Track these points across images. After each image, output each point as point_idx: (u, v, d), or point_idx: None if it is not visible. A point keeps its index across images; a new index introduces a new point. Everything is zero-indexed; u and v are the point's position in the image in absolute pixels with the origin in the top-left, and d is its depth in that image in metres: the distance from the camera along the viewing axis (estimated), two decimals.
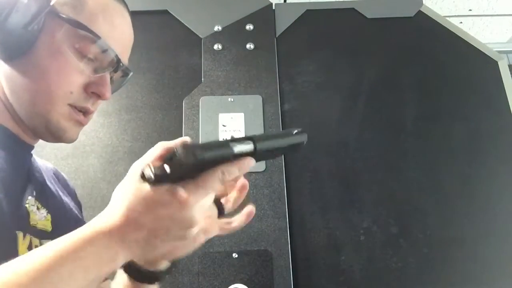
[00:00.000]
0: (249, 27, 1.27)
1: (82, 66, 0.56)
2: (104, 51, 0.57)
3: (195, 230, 0.45)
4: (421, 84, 1.25)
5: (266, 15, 1.29)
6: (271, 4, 1.31)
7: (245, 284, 1.01)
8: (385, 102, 1.23)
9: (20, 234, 0.52)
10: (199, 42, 1.26)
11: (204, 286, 1.01)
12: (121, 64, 0.60)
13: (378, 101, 1.23)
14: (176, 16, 1.28)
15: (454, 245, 1.09)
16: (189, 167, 0.41)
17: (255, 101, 1.19)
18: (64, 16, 0.54)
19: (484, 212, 1.12)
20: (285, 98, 1.22)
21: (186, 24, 1.27)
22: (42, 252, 0.39)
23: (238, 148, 0.45)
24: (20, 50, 0.53)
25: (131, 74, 0.66)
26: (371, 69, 1.26)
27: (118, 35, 0.60)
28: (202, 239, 0.49)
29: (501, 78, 1.26)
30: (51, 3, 0.53)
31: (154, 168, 0.42)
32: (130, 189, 0.43)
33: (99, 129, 1.17)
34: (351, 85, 1.24)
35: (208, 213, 0.48)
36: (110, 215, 0.43)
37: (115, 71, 0.61)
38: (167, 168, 0.42)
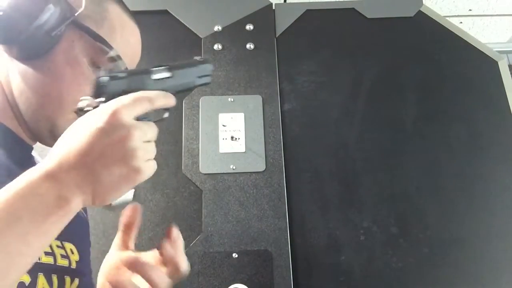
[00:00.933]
0: (249, 27, 1.27)
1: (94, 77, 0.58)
2: (117, 65, 0.59)
3: (137, 163, 0.45)
4: (421, 84, 1.25)
5: (266, 15, 1.29)
6: (271, 4, 1.31)
7: (245, 284, 1.01)
8: (385, 102, 1.23)
9: None
10: (199, 42, 1.26)
11: (204, 286, 1.01)
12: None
13: (378, 101, 1.23)
14: (176, 16, 1.28)
15: (454, 245, 1.09)
16: (116, 93, 0.47)
17: (255, 101, 1.19)
18: (86, 27, 0.57)
19: (484, 212, 1.12)
20: (285, 98, 1.22)
21: (186, 24, 1.27)
22: None
23: (157, 75, 0.53)
24: (38, 52, 0.55)
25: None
26: (371, 69, 1.26)
27: (131, 53, 0.63)
28: (151, 166, 0.48)
29: (501, 78, 1.26)
30: (76, 14, 0.56)
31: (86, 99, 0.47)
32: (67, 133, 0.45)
33: None
34: (351, 85, 1.24)
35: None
36: (49, 159, 0.43)
37: None
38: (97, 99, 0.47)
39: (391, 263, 1.07)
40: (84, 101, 0.47)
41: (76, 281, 0.59)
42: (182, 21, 1.28)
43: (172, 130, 1.16)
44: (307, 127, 1.20)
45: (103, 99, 0.47)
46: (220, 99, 1.19)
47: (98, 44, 0.57)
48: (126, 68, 0.63)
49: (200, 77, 0.61)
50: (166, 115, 0.56)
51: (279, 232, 1.06)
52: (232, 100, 1.19)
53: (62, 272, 0.55)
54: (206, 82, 0.61)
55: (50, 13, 0.53)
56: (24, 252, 0.39)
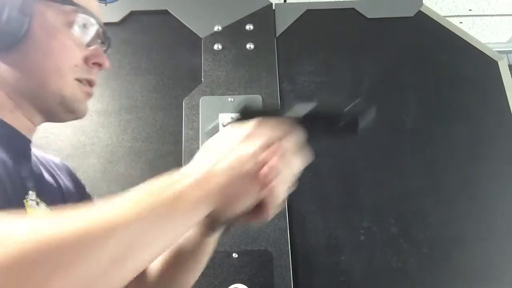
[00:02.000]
0: (249, 27, 1.27)
1: (80, 40, 0.60)
2: (92, 24, 0.61)
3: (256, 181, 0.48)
4: (421, 84, 1.25)
5: (266, 15, 1.29)
6: (271, 4, 1.31)
7: (245, 284, 1.01)
8: (385, 102, 1.23)
9: None
10: (199, 42, 1.26)
11: (204, 286, 1.01)
12: (106, 34, 0.64)
13: (378, 101, 1.23)
14: (176, 16, 1.28)
15: (455, 245, 1.09)
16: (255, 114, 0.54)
17: (255, 101, 1.19)
18: None
19: (484, 212, 1.12)
20: (285, 98, 1.22)
21: (186, 24, 1.27)
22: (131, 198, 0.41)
23: (302, 111, 0.56)
24: (18, 36, 0.55)
25: (111, 45, 0.69)
26: (371, 69, 1.26)
27: (95, 9, 0.63)
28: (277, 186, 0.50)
29: (501, 78, 1.26)
30: None
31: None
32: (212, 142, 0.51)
33: (99, 129, 1.17)
34: (351, 85, 1.24)
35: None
36: (196, 167, 0.47)
37: (103, 42, 0.64)
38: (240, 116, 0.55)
39: (391, 263, 1.07)
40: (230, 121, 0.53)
41: None
42: (182, 21, 1.28)
43: (172, 130, 1.16)
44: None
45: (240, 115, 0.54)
46: (220, 99, 1.19)
47: (67, 7, 0.58)
48: (100, 25, 0.64)
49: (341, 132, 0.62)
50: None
51: (279, 232, 1.06)
52: (232, 100, 1.19)
53: None
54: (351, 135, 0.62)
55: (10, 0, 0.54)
56: (145, 247, 0.40)
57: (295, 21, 1.30)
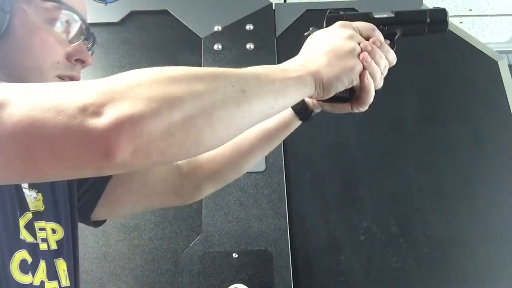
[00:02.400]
0: (249, 27, 1.27)
1: (61, 36, 0.59)
2: (75, 20, 0.60)
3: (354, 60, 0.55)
4: (421, 84, 1.25)
5: (266, 15, 1.29)
6: (271, 4, 1.31)
7: (245, 284, 1.01)
8: (385, 102, 1.23)
9: (17, 211, 0.53)
10: (199, 42, 1.26)
11: (204, 286, 1.01)
12: (90, 31, 0.63)
13: (378, 101, 1.22)
14: (176, 16, 1.28)
15: (454, 245, 1.09)
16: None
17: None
18: None
19: (484, 212, 1.12)
20: None
21: (186, 24, 1.27)
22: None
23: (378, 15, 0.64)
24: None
25: (96, 41, 0.69)
26: None
27: (78, 5, 0.62)
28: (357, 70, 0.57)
29: (501, 78, 1.26)
30: None
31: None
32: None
33: None
34: None
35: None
36: (297, 56, 0.57)
37: (87, 38, 0.64)
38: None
39: (391, 263, 1.07)
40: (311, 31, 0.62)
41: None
42: (182, 21, 1.28)
43: None
44: (307, 127, 1.19)
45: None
46: None
47: (48, 4, 0.57)
48: (84, 21, 0.64)
49: (431, 22, 0.68)
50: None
51: (279, 232, 1.06)
52: None
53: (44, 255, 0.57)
54: (442, 28, 0.67)
55: None
56: (265, 106, 0.48)
57: (295, 21, 1.30)
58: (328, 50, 0.55)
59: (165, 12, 1.28)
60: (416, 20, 0.68)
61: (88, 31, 0.63)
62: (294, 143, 1.17)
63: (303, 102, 0.69)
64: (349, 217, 1.11)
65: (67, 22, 0.59)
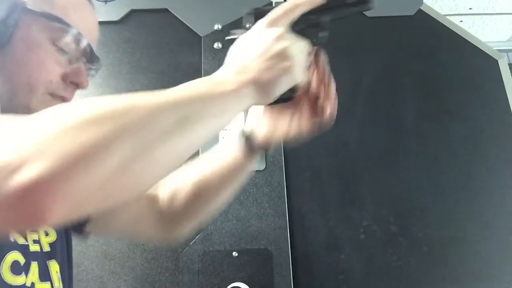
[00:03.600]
0: (249, 26, 1.26)
1: (61, 58, 0.58)
2: (78, 42, 0.59)
3: (288, 44, 0.53)
4: (421, 83, 1.25)
5: (266, 14, 1.29)
6: (271, 2, 1.31)
7: (245, 282, 1.01)
8: (385, 100, 1.23)
9: None
10: (199, 40, 1.26)
11: (204, 285, 1.01)
12: (94, 54, 0.62)
13: (378, 99, 1.23)
14: (176, 15, 1.28)
15: (454, 244, 1.09)
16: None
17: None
18: (38, 10, 0.56)
19: (484, 210, 1.12)
20: None
21: (186, 23, 1.27)
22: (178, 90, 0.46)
23: None
24: None
25: (101, 66, 0.68)
26: (371, 68, 1.26)
27: (89, 27, 0.62)
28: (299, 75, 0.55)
29: (501, 77, 1.26)
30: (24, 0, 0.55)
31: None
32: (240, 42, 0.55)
33: None
34: (351, 84, 1.24)
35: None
36: (231, 63, 0.52)
37: (89, 62, 0.63)
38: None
39: (390, 262, 1.07)
40: (233, 34, 0.56)
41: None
42: (182, 20, 1.28)
43: None
44: None
45: (250, 24, 0.57)
46: None
47: (54, 24, 0.56)
48: (89, 44, 0.63)
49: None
50: (321, 34, 0.63)
51: (279, 230, 1.07)
52: None
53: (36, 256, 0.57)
54: (367, 6, 0.61)
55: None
56: (206, 125, 0.45)
57: None
58: (260, 53, 0.52)
59: (165, 11, 1.28)
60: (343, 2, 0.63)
61: (92, 54, 0.62)
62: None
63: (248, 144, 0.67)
64: (349, 216, 1.11)
65: (71, 44, 0.58)
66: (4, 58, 0.55)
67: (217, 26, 1.26)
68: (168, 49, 1.26)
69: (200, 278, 1.02)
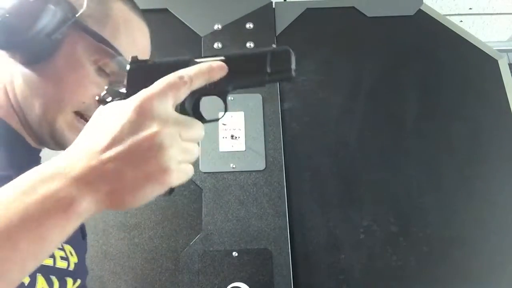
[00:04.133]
0: (249, 26, 1.27)
1: (99, 79, 0.56)
2: (122, 67, 0.56)
3: (165, 145, 0.38)
4: (421, 83, 1.25)
5: (266, 14, 1.29)
6: (271, 2, 1.31)
7: (245, 282, 1.01)
8: (385, 100, 1.23)
9: None
10: (199, 40, 1.25)
11: (204, 285, 1.01)
12: None
13: (378, 99, 1.23)
14: (176, 15, 1.28)
15: (454, 244, 1.09)
16: (136, 72, 0.41)
17: (255, 99, 1.19)
18: (88, 29, 0.54)
19: (484, 210, 1.12)
20: (285, 97, 1.22)
21: (186, 23, 1.27)
22: None
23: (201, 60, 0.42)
24: (40, 57, 0.53)
25: None
26: (371, 68, 1.26)
27: (137, 52, 0.60)
28: (184, 170, 0.41)
29: (501, 77, 1.26)
30: (77, 15, 0.54)
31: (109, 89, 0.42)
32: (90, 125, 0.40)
33: None
34: (351, 84, 1.24)
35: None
36: (71, 157, 0.37)
37: None
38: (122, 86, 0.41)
39: (390, 262, 1.07)
40: (104, 91, 0.42)
41: (78, 281, 0.59)
42: (182, 20, 1.28)
43: None
44: (307, 126, 1.20)
45: (123, 89, 0.41)
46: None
47: (101, 46, 0.55)
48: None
49: (272, 71, 0.45)
50: (220, 115, 0.46)
51: (279, 230, 1.07)
52: (232, 98, 1.19)
53: (61, 273, 0.55)
54: (286, 77, 0.46)
55: (50, 15, 0.51)
56: (13, 259, 0.34)
57: (295, 19, 1.30)
58: (119, 153, 0.37)
59: (165, 11, 1.28)
60: (252, 70, 0.46)
61: None
62: (294, 142, 1.17)
63: None
64: (349, 216, 1.11)
65: (114, 67, 0.56)
66: (45, 70, 0.54)
67: (217, 26, 1.26)
68: (168, 49, 1.26)
69: (200, 278, 1.02)
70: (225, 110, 0.49)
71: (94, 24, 0.55)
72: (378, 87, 1.24)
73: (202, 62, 0.43)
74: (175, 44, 1.26)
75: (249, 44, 1.24)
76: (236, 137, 1.15)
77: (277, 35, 1.28)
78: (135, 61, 0.44)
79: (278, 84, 1.22)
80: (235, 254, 1.04)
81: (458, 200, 1.13)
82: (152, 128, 0.37)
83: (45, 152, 0.64)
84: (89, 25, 0.55)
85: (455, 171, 1.16)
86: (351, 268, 1.06)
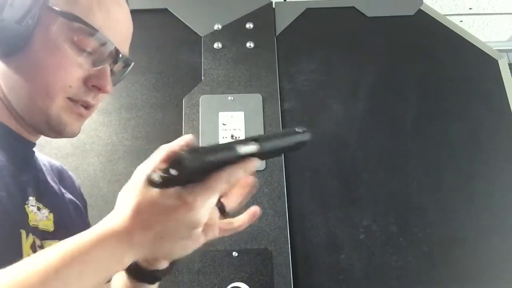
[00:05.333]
0: (249, 26, 1.27)
1: (80, 59, 0.55)
2: (102, 43, 0.56)
3: (199, 230, 0.46)
4: (421, 83, 1.25)
5: (266, 14, 1.29)
6: (271, 2, 1.31)
7: (245, 282, 1.01)
8: (385, 100, 1.23)
9: (23, 233, 0.52)
10: (199, 40, 1.26)
11: (204, 285, 1.01)
12: (120, 55, 0.59)
13: (378, 99, 1.23)
14: (176, 15, 1.28)
15: (454, 244, 1.09)
16: (195, 170, 0.42)
17: (255, 99, 1.19)
18: (58, 9, 0.53)
19: (484, 210, 1.12)
20: (285, 97, 1.22)
21: (186, 23, 1.27)
22: (50, 253, 0.40)
23: (243, 150, 0.46)
24: (15, 46, 0.52)
25: (132, 64, 0.65)
26: (371, 68, 1.26)
27: (115, 25, 0.59)
28: (202, 240, 0.48)
29: (501, 77, 1.26)
30: None
31: (161, 172, 0.43)
32: (136, 193, 0.43)
33: (99, 127, 1.17)
34: (351, 84, 1.24)
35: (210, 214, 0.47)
36: (118, 217, 0.43)
37: (115, 62, 0.59)
38: (173, 172, 0.41)
39: (390, 262, 1.07)
40: (156, 174, 0.43)
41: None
42: (182, 20, 1.28)
43: (172, 128, 1.16)
44: (307, 126, 1.19)
45: (174, 172, 0.43)
46: (220, 98, 1.19)
47: (75, 24, 0.53)
48: (128, 59, 0.62)
49: (291, 146, 0.54)
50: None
51: (279, 230, 1.07)
52: (232, 98, 1.19)
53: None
54: (296, 149, 0.55)
55: (17, 2, 0.50)
56: None
57: (295, 19, 1.30)
58: (158, 235, 0.43)
59: (165, 11, 1.28)
60: (280, 150, 0.55)
61: (117, 55, 0.58)
62: None
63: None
64: (349, 216, 1.11)
65: (93, 44, 0.55)
66: (22, 61, 0.54)
67: (217, 26, 1.26)
68: (168, 49, 1.26)
69: (200, 278, 1.02)
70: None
71: (63, 4, 0.54)
72: (378, 87, 1.24)
73: (245, 162, 0.47)
74: (175, 44, 1.26)
75: (249, 44, 1.24)
76: (236, 137, 1.15)
77: (277, 35, 1.28)
78: (191, 153, 0.43)
79: (278, 83, 1.22)
80: (235, 254, 1.04)
81: (458, 200, 1.13)
82: (192, 227, 0.45)
83: (45, 152, 0.63)
84: (59, 6, 0.54)
85: (455, 171, 1.16)
86: (351, 268, 1.06)
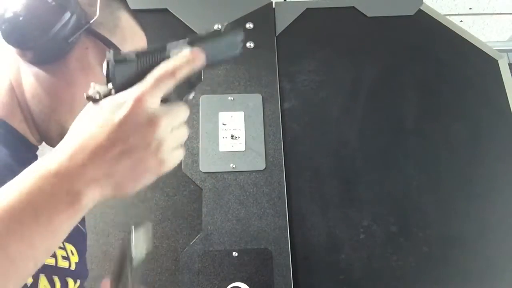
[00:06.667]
0: (249, 26, 1.27)
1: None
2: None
3: (161, 138, 0.42)
4: (421, 83, 1.25)
5: (266, 14, 1.29)
6: (271, 2, 1.31)
7: (245, 282, 1.01)
8: (385, 100, 1.23)
9: None
10: None
11: (204, 285, 1.01)
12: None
13: (378, 99, 1.23)
14: (176, 15, 1.28)
15: (454, 244, 1.09)
16: (126, 70, 0.43)
17: (255, 99, 1.19)
18: (100, 35, 0.58)
19: (484, 210, 1.12)
20: (285, 97, 1.22)
21: (186, 23, 1.27)
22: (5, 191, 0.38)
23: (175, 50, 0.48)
24: (53, 58, 0.56)
25: None
26: (371, 68, 1.26)
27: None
28: (176, 156, 0.45)
29: (501, 77, 1.26)
30: (91, 21, 0.57)
31: (97, 86, 0.43)
32: (82, 117, 0.42)
33: None
34: (351, 84, 1.24)
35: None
36: (58, 151, 0.40)
37: None
38: (105, 72, 0.42)
39: (391, 262, 1.07)
40: (92, 89, 0.43)
41: (78, 282, 0.59)
42: (182, 20, 1.28)
43: None
44: (307, 126, 1.20)
45: (110, 86, 0.42)
46: (220, 98, 1.19)
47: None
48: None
49: (227, 49, 0.55)
50: (191, 96, 0.50)
51: (279, 230, 1.07)
52: (232, 98, 1.19)
53: (63, 273, 0.55)
54: (235, 54, 0.55)
55: (67, 20, 0.54)
56: (29, 255, 0.36)
57: (295, 19, 1.30)
58: (121, 151, 0.40)
59: (165, 11, 1.28)
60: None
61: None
62: (294, 142, 1.17)
63: None
64: (349, 216, 1.11)
65: None
66: (56, 73, 0.57)
67: (217, 26, 1.26)
68: None
69: (200, 278, 1.02)
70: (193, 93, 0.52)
71: (105, 31, 0.59)
72: (378, 87, 1.24)
73: (180, 51, 0.49)
74: None
75: (249, 44, 1.24)
76: (236, 137, 1.15)
77: (277, 35, 1.28)
78: (118, 56, 0.44)
79: (278, 84, 1.22)
80: (235, 254, 1.04)
81: (458, 200, 1.13)
82: (150, 126, 0.41)
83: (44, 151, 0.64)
84: (100, 31, 0.58)
85: (455, 171, 1.16)
86: (351, 268, 1.06)
